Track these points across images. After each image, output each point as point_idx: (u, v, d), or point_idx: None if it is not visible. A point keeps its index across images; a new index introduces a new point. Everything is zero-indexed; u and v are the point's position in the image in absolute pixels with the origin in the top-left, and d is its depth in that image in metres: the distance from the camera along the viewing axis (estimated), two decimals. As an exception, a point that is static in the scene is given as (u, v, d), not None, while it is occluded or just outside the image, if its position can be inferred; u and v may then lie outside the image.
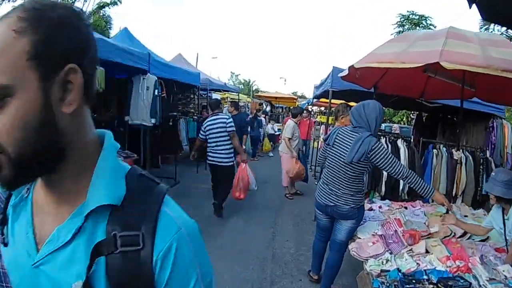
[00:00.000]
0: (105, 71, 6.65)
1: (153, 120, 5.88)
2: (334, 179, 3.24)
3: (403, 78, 4.97)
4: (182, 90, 8.60)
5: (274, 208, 6.65)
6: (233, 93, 17.75)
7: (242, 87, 52.65)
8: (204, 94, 11.06)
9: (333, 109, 6.02)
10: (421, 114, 9.18)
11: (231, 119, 5.66)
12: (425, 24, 23.23)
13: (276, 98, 22.36)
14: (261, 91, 38.90)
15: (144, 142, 6.35)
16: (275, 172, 8.71)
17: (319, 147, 10.31)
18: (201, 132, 5.69)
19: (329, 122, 8.20)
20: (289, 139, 7.05)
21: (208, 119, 5.65)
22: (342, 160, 3.12)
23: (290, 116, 7.98)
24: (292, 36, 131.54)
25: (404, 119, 22.07)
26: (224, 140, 5.50)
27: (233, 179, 5.69)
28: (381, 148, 3.00)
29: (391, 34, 25.26)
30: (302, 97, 47.18)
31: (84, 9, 20.58)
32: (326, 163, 3.37)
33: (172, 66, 7.19)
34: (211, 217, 5.83)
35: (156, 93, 5.80)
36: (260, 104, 16.58)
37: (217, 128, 5.49)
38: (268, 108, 19.62)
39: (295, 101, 25.15)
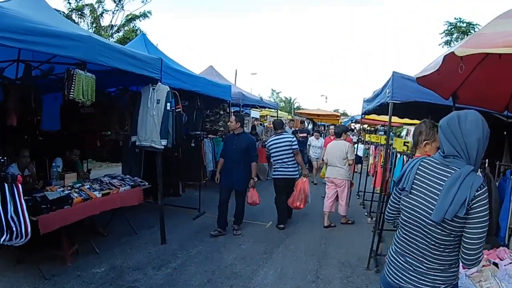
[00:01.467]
0: (116, 81, 5.77)
1: (163, 142, 4.75)
2: (415, 246, 1.88)
3: (489, 85, 3.67)
4: (210, 105, 7.46)
5: (316, 252, 5.22)
6: (271, 110, 16.56)
7: (283, 104, 51.81)
8: (238, 110, 9.89)
9: (398, 129, 4.60)
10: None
11: (295, 139, 6.35)
12: (474, 32, 21.45)
13: (318, 115, 20.91)
14: (302, 108, 37.64)
15: (158, 167, 5.19)
16: (316, 202, 7.36)
17: (369, 170, 8.79)
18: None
19: (386, 143, 6.77)
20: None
21: (272, 138, 6.37)
22: (428, 216, 1.77)
23: (335, 136, 7.22)
24: (334, 53, 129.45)
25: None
26: (291, 156, 6.14)
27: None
28: (485, 199, 1.68)
29: (439, 45, 23.68)
30: (344, 114, 45.50)
31: (113, 22, 20.76)
32: (400, 220, 2.01)
33: (193, 75, 6.05)
34: (234, 266, 4.60)
35: (168, 107, 4.67)
36: (302, 122, 15.13)
37: (283, 146, 6.12)
38: (310, 126, 18.18)
39: (338, 118, 24.02)
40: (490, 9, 48.80)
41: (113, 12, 21.03)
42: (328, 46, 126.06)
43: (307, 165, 11.03)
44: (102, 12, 20.63)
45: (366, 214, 7.28)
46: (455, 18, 22.50)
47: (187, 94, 6.14)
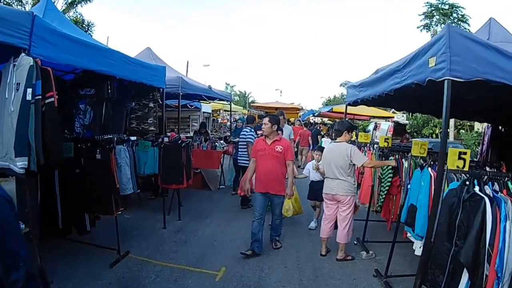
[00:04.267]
0: None
1: (20, 162, 2.60)
2: None
3: None
4: (137, 95, 5.19)
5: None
6: (225, 103, 14.59)
7: (238, 98, 49.85)
8: (174, 103, 7.77)
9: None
10: (497, 127, 6.78)
11: (251, 132, 7.18)
12: (457, 16, 20.57)
13: (276, 108, 19.18)
14: (258, 102, 35.83)
15: (29, 206, 2.96)
16: (290, 234, 5.65)
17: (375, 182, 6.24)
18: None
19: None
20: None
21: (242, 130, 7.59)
22: None
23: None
24: (287, 46, 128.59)
25: (437, 132, 18.63)
26: (244, 146, 7.21)
27: None
28: None
29: (417, 27, 22.60)
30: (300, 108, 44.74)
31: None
32: None
33: (95, 47, 3.77)
34: None
35: (28, 96, 2.54)
36: (261, 117, 13.18)
37: (242, 137, 7.32)
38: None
39: (298, 111, 23.23)
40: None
41: (52, -2, 18.53)
42: (282, 40, 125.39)
43: None
44: (41, -1, 18.21)
45: (355, 242, 5.28)
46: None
47: (94, 77, 4.00)
